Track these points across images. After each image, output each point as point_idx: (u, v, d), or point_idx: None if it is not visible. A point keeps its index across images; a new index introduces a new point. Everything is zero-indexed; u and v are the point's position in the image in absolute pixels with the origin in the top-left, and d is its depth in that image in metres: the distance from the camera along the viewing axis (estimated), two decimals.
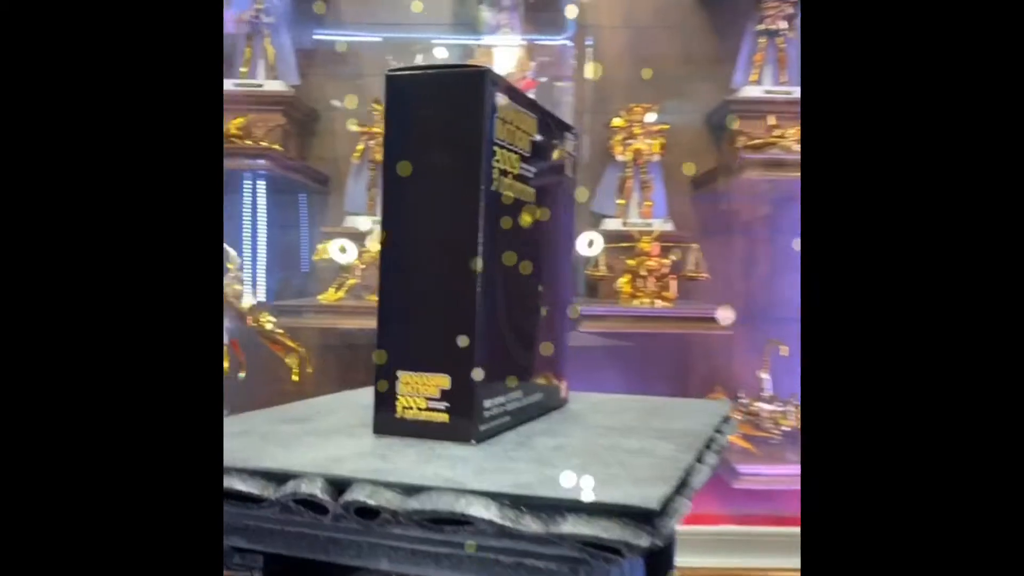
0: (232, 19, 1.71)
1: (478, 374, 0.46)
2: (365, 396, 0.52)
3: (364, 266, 1.52)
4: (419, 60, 1.81)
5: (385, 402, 0.47)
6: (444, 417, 0.46)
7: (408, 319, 0.47)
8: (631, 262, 1.49)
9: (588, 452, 0.45)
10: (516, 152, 0.50)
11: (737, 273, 1.68)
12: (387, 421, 0.47)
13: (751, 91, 1.62)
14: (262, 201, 1.79)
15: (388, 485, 0.37)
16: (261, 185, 1.76)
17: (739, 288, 1.66)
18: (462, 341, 0.45)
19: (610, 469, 0.40)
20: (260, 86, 1.67)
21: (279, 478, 0.39)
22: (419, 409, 0.46)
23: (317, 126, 1.82)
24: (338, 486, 0.38)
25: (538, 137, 0.53)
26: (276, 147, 1.55)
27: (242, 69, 1.69)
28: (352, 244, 1.53)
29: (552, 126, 0.57)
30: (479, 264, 0.45)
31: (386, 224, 0.47)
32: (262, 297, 1.72)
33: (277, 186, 1.78)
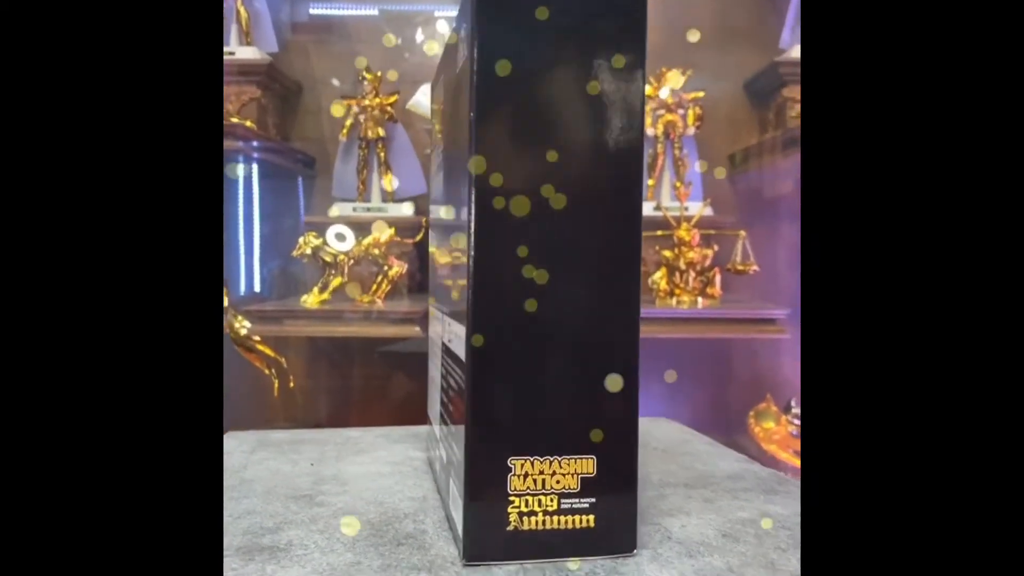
0: None
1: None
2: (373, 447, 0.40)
3: (353, 261, 1.30)
4: (420, 33, 1.59)
5: (483, 510, 0.31)
6: (588, 520, 0.31)
7: (524, 368, 0.31)
8: (667, 254, 1.26)
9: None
10: None
11: (787, 265, 1.44)
12: (490, 540, 0.31)
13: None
14: (239, 185, 1.56)
15: None
16: (239, 167, 1.54)
17: (789, 282, 1.43)
18: (613, 384, 0.31)
19: None
20: (232, 54, 1.44)
21: None
22: (548, 514, 0.31)
23: (300, 100, 1.60)
24: None
25: None
26: (248, 123, 1.33)
27: None
28: (350, 231, 1.31)
29: None
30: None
31: (481, 231, 0.30)
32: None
33: (263, 169, 1.56)
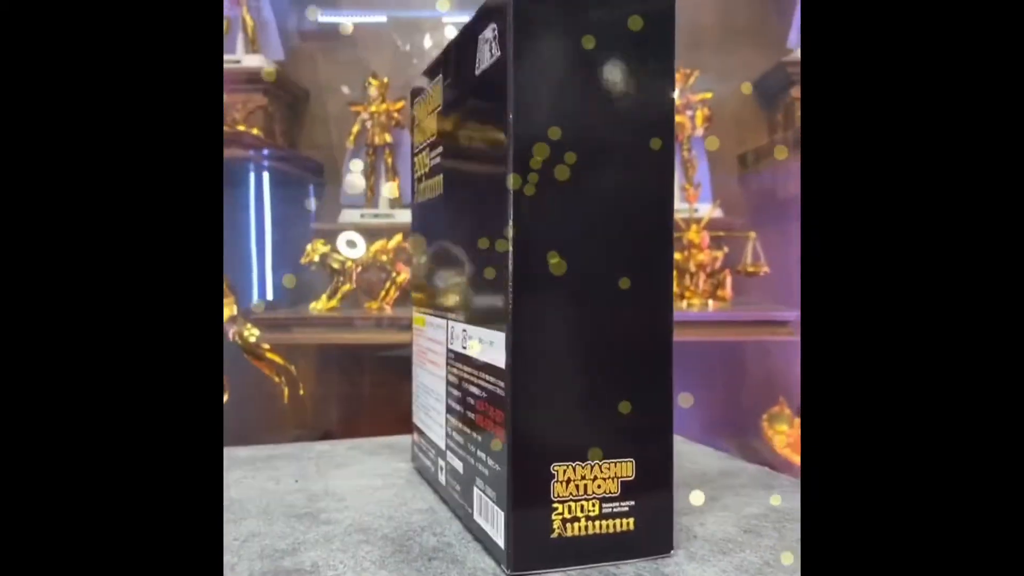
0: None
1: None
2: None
3: (361, 268, 1.29)
4: (428, 39, 1.59)
5: (527, 519, 0.30)
6: (628, 524, 0.31)
7: (566, 373, 0.31)
8: (677, 256, 1.26)
9: None
10: None
11: (798, 266, 1.43)
12: (534, 549, 0.31)
13: None
14: (245, 191, 1.56)
15: None
16: (241, 175, 1.54)
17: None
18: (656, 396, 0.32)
19: None
20: (238, 62, 1.44)
21: None
22: (590, 519, 0.31)
23: (307, 107, 1.59)
24: None
25: None
26: (254, 131, 1.33)
27: None
28: (361, 238, 1.30)
29: None
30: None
31: (520, 236, 0.30)
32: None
33: (272, 177, 1.56)
